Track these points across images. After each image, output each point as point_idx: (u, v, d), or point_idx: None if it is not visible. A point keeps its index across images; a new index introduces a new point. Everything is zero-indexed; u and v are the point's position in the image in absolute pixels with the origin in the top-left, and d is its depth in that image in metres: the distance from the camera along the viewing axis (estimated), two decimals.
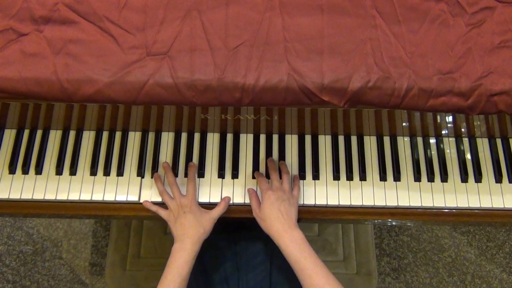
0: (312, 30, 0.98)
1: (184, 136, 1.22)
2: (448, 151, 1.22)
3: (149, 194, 1.16)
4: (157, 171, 1.18)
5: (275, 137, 1.22)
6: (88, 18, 0.97)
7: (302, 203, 1.16)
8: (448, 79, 0.95)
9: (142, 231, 1.52)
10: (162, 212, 1.12)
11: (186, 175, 1.17)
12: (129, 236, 1.51)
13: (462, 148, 1.21)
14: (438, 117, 1.14)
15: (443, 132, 1.21)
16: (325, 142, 1.22)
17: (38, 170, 1.17)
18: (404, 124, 1.17)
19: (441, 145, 1.21)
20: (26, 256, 1.95)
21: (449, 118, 1.15)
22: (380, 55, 0.96)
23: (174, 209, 1.10)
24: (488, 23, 0.99)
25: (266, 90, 0.94)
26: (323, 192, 1.17)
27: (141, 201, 1.15)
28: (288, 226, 1.03)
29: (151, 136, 1.22)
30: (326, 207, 1.16)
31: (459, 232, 2.03)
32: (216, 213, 1.11)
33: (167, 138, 1.21)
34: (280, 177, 1.14)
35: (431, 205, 1.16)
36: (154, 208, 1.13)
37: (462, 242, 2.01)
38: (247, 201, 1.16)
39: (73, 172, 1.17)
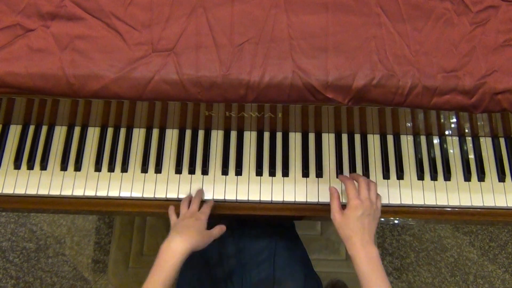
0: (316, 27, 0.98)
1: (188, 133, 1.22)
2: (451, 150, 1.22)
3: (152, 190, 1.16)
4: (161, 168, 1.18)
5: (279, 135, 1.22)
6: (95, 14, 0.98)
7: (305, 200, 1.16)
8: (452, 77, 0.95)
9: (145, 229, 1.53)
10: (173, 216, 1.12)
11: (190, 172, 1.18)
12: (132, 233, 1.52)
13: (465, 147, 1.22)
14: (442, 116, 1.14)
15: (447, 131, 1.21)
16: (328, 140, 1.22)
17: (43, 166, 1.17)
18: (407, 122, 1.18)
19: (444, 144, 1.22)
20: (29, 252, 1.96)
21: (453, 117, 1.16)
22: (385, 53, 0.96)
23: (185, 215, 1.09)
24: (493, 21, 0.99)
25: (271, 87, 0.95)
26: (326, 190, 1.17)
27: (144, 196, 1.16)
28: (367, 241, 0.99)
29: (156, 133, 1.22)
30: (329, 205, 1.17)
31: (462, 232, 2.03)
32: (215, 233, 1.10)
33: (171, 135, 1.22)
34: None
35: (434, 203, 1.16)
36: (170, 210, 1.13)
37: (464, 242, 2.01)
38: (251, 198, 1.16)
39: (77, 168, 1.18)
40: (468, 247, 2.00)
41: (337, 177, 1.18)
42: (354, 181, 1.06)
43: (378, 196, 1.07)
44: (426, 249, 1.99)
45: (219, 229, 1.11)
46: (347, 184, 1.05)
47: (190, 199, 1.15)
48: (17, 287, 1.92)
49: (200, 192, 1.17)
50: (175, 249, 0.99)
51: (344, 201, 1.06)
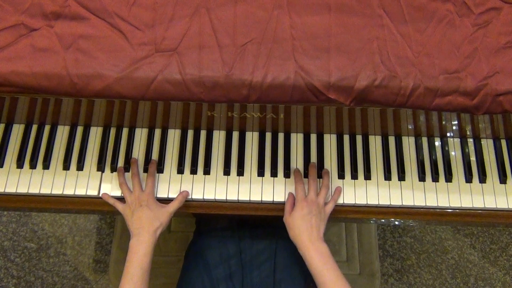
0: (319, 28, 0.98)
1: (190, 133, 1.22)
2: (452, 151, 1.22)
3: (155, 189, 1.17)
4: (163, 168, 1.19)
5: (281, 136, 1.22)
6: (98, 14, 0.98)
7: None
8: (454, 79, 0.95)
9: None
10: (119, 206, 1.13)
11: (192, 172, 1.18)
12: None
13: (466, 148, 1.22)
14: (443, 117, 1.15)
15: (448, 132, 1.22)
16: (330, 141, 1.23)
17: (46, 165, 1.18)
18: (409, 124, 1.18)
19: (446, 146, 1.22)
20: (30, 252, 1.97)
21: (454, 119, 1.16)
22: (387, 54, 0.96)
23: (131, 202, 1.11)
24: (494, 23, 1.00)
25: (273, 87, 0.95)
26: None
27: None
28: (315, 238, 1.05)
29: (158, 133, 1.23)
30: None
31: (463, 234, 2.03)
32: (172, 207, 1.12)
33: (173, 135, 1.22)
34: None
35: (435, 204, 1.17)
36: (112, 201, 1.14)
37: (465, 244, 2.01)
38: (252, 198, 1.17)
39: (80, 167, 1.18)
40: (469, 249, 2.00)
41: (338, 178, 1.19)
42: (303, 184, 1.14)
43: (332, 200, 1.14)
44: (427, 251, 2.00)
45: (175, 203, 1.13)
46: (296, 185, 1.14)
47: (124, 175, 1.16)
48: (19, 287, 1.92)
49: (135, 163, 1.17)
50: (139, 248, 1.04)
51: None
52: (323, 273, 1.01)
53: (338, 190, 1.17)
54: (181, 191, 1.16)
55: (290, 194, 1.15)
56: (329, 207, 1.13)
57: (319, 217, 1.09)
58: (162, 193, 1.17)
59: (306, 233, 1.05)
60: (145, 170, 1.18)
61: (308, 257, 1.04)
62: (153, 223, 1.07)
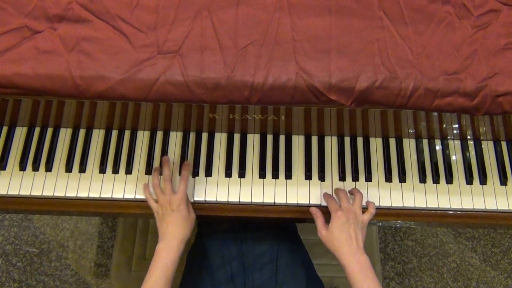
0: (320, 30, 0.99)
1: (192, 135, 1.23)
2: (453, 153, 1.23)
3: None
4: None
5: (282, 138, 1.23)
6: (101, 16, 0.99)
7: (307, 203, 1.17)
8: (454, 80, 0.96)
9: (148, 232, 1.53)
10: (153, 204, 1.11)
11: (194, 174, 1.19)
12: (135, 237, 1.52)
13: (467, 150, 1.22)
14: (444, 119, 1.15)
15: (449, 134, 1.22)
16: (331, 143, 1.23)
17: (48, 167, 1.18)
18: (409, 125, 1.19)
19: (447, 148, 1.22)
20: (32, 256, 1.97)
21: (455, 120, 1.17)
22: (387, 56, 0.97)
23: (163, 204, 1.09)
24: (494, 25, 1.01)
25: (275, 88, 0.96)
26: (329, 193, 1.18)
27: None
28: (355, 250, 1.01)
29: (160, 135, 1.23)
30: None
31: (464, 237, 2.03)
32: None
33: (175, 138, 1.23)
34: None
35: (436, 206, 1.17)
36: (147, 195, 1.13)
37: (466, 248, 2.01)
38: (254, 200, 1.17)
39: (82, 169, 1.19)
40: (470, 253, 2.00)
41: (339, 180, 1.19)
42: (335, 196, 1.10)
43: (368, 212, 1.10)
44: (428, 254, 1.99)
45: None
46: (327, 200, 1.11)
47: (158, 176, 1.14)
48: None
49: (167, 162, 1.15)
50: (166, 255, 1.03)
51: None
52: (363, 287, 0.98)
53: (372, 204, 1.13)
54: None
55: (316, 210, 1.11)
56: (367, 217, 1.09)
57: (357, 226, 1.04)
58: None
59: (347, 246, 1.01)
60: (147, 172, 1.19)
61: (349, 269, 1.00)
62: (183, 230, 1.06)
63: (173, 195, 1.10)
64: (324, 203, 1.17)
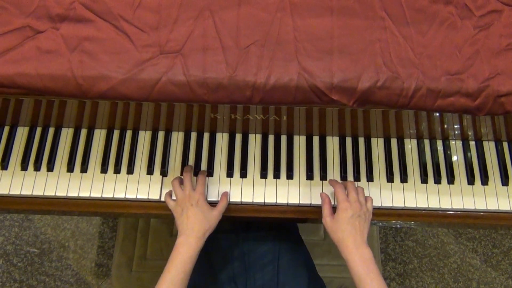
0: (322, 30, 0.99)
1: (193, 135, 1.23)
2: (455, 153, 1.23)
3: (158, 192, 1.17)
4: (166, 170, 1.19)
5: (284, 138, 1.23)
6: (103, 16, 0.99)
7: (309, 203, 1.17)
8: (456, 80, 0.96)
9: (148, 233, 1.53)
10: (170, 202, 1.12)
11: (195, 174, 1.19)
12: (135, 237, 1.52)
13: (469, 150, 1.22)
14: (445, 119, 1.15)
15: (450, 135, 1.22)
16: (332, 143, 1.23)
17: (50, 167, 1.18)
18: (411, 126, 1.19)
19: (448, 148, 1.23)
20: (33, 256, 1.97)
21: (456, 121, 1.17)
22: (389, 56, 0.97)
23: (182, 200, 1.09)
24: (496, 26, 1.00)
25: (277, 88, 0.96)
26: (330, 193, 1.18)
27: (150, 198, 1.16)
28: (360, 243, 1.00)
29: (161, 135, 1.23)
30: (333, 207, 1.17)
31: (465, 238, 2.03)
32: (221, 207, 1.12)
33: (177, 138, 1.23)
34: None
35: (438, 206, 1.17)
36: (166, 196, 1.14)
37: (467, 248, 2.01)
38: (255, 200, 1.17)
39: (84, 169, 1.19)
40: (471, 253, 2.00)
41: (340, 180, 1.19)
42: (343, 185, 1.08)
43: (369, 198, 1.09)
44: (429, 255, 1.99)
45: (222, 204, 1.12)
46: (335, 188, 1.08)
47: (180, 179, 1.15)
48: None
49: (189, 168, 1.16)
50: (185, 250, 1.03)
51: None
52: (366, 282, 0.97)
53: (361, 188, 1.12)
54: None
55: (325, 195, 1.10)
56: (370, 205, 1.08)
57: (364, 218, 1.04)
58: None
59: (351, 238, 1.00)
60: (149, 172, 1.19)
61: (352, 262, 0.99)
62: (202, 225, 1.06)
63: (192, 191, 1.10)
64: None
